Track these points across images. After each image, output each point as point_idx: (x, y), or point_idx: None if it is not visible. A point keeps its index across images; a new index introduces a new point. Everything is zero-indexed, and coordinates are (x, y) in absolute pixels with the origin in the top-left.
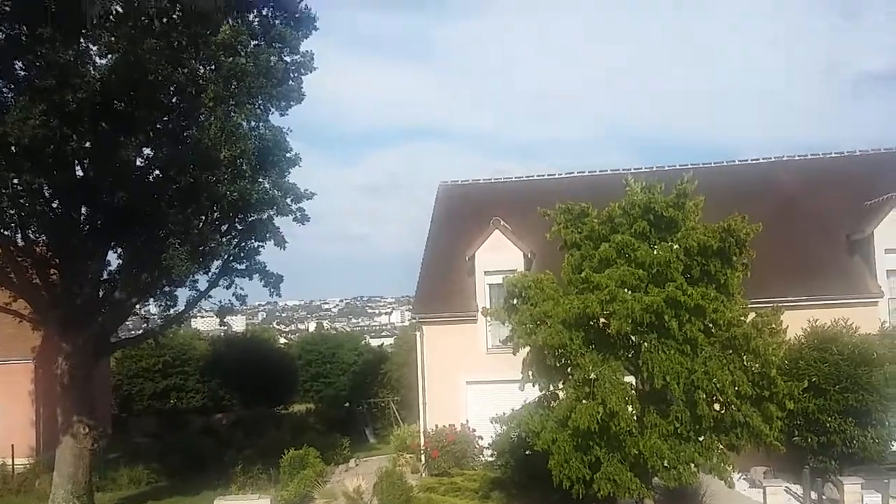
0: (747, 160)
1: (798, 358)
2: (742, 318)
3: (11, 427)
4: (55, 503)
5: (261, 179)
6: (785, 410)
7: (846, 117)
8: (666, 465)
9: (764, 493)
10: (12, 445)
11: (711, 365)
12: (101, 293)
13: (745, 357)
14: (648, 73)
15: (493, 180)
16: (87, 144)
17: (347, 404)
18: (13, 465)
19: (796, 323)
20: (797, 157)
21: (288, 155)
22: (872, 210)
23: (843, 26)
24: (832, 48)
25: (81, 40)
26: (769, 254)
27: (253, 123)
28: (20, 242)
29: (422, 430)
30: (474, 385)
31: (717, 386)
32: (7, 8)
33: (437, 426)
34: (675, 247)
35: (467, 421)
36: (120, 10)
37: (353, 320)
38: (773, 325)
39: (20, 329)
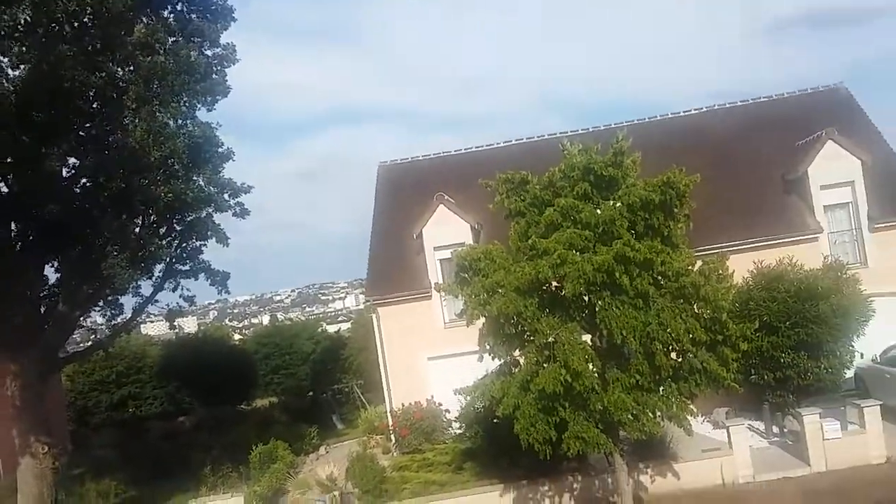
0: (679, 113)
1: (748, 299)
2: (689, 268)
3: None
4: None
5: (195, 177)
6: (739, 352)
7: (767, 63)
8: (631, 417)
9: (728, 432)
10: None
11: (664, 316)
12: (42, 309)
13: (696, 305)
14: (569, 38)
15: (431, 156)
16: (9, 160)
17: (311, 393)
18: None
19: (742, 266)
20: (727, 105)
21: (220, 150)
22: (804, 149)
23: None
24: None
25: None
26: (709, 202)
27: (180, 121)
28: None
29: (388, 410)
30: (436, 360)
31: (672, 335)
32: None
33: (403, 405)
34: (618, 204)
35: (432, 396)
36: (28, 18)
37: (308, 309)
38: (720, 271)
39: None
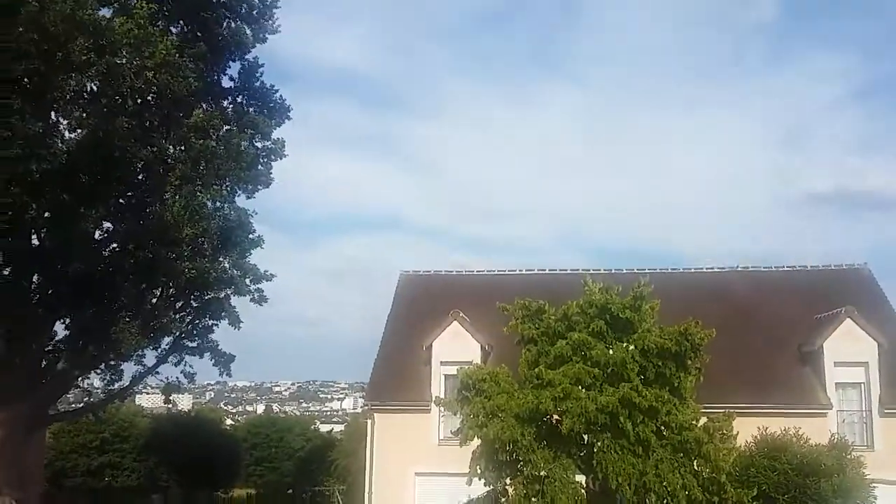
0: (702, 269)
1: (748, 465)
2: (694, 422)
3: None
4: None
5: (221, 259)
6: None
7: (795, 234)
8: None
9: None
10: None
11: (663, 468)
12: (43, 363)
13: (695, 461)
14: (605, 184)
15: (453, 272)
16: (46, 214)
17: (290, 490)
18: None
19: (747, 430)
20: (751, 268)
21: (251, 236)
22: (822, 323)
23: (789, 151)
24: (780, 171)
25: (52, 114)
26: (722, 360)
27: (218, 204)
28: None
29: None
30: (423, 477)
31: (668, 489)
32: None
33: None
34: (632, 347)
35: None
36: (95, 88)
37: (304, 404)
38: (724, 431)
39: None
